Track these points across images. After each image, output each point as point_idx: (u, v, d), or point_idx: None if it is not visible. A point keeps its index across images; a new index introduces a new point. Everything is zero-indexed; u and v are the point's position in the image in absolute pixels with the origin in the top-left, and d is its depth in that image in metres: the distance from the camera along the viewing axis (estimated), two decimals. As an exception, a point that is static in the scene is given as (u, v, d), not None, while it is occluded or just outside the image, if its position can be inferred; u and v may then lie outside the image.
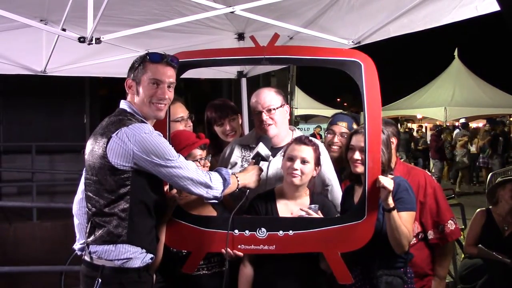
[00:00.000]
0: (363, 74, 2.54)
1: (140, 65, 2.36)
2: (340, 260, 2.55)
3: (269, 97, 2.92)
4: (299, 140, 2.73)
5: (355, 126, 3.39)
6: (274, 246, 2.57)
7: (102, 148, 2.26)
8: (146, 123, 2.35)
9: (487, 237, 4.34)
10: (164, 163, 2.25)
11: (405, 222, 2.51)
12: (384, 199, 2.44)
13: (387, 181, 2.42)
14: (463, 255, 4.87)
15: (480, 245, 4.31)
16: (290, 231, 2.56)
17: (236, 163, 3.00)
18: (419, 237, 3.05)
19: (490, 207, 4.50)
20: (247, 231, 2.59)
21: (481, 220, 4.41)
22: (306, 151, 2.69)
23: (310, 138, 2.84)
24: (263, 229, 2.58)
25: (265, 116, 2.88)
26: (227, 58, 2.83)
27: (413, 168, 3.23)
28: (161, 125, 2.54)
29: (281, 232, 2.57)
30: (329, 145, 3.29)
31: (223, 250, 2.57)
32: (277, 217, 2.69)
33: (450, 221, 3.05)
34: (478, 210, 4.60)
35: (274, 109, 2.89)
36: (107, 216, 2.28)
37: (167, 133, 2.67)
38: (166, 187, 2.54)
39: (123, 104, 2.41)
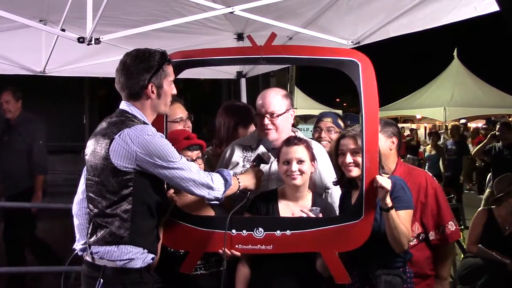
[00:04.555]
0: (360, 74, 2.53)
1: (159, 68, 2.36)
2: (338, 260, 2.55)
3: (275, 101, 2.88)
4: (289, 142, 2.72)
5: (340, 122, 3.41)
6: (271, 246, 2.57)
7: (105, 149, 2.26)
8: (148, 124, 2.35)
9: (487, 236, 4.36)
10: (166, 165, 2.26)
11: (404, 220, 2.51)
12: (382, 199, 2.44)
13: (385, 181, 2.42)
14: (462, 255, 4.88)
15: (480, 245, 4.33)
16: (288, 231, 2.56)
17: (237, 163, 2.99)
18: (420, 238, 3.05)
19: (492, 207, 4.51)
20: (244, 231, 2.59)
21: (483, 219, 4.44)
22: (299, 151, 2.68)
23: (299, 136, 2.84)
24: (260, 229, 2.58)
25: (266, 121, 2.87)
26: (223, 58, 2.82)
27: (414, 168, 3.23)
28: (159, 126, 2.54)
29: (278, 232, 2.57)
30: (318, 142, 3.31)
31: (221, 250, 2.57)
32: (275, 217, 2.69)
33: (450, 222, 3.05)
34: (480, 209, 4.63)
35: (277, 115, 2.87)
36: (109, 217, 2.28)
37: (165, 134, 2.67)
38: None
39: (123, 106, 2.40)
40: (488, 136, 8.09)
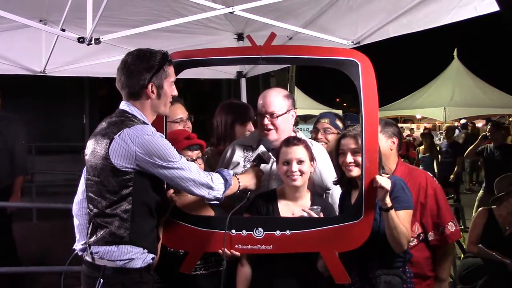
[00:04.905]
0: (360, 74, 2.53)
1: (160, 68, 2.35)
2: (337, 260, 2.55)
3: (275, 101, 2.87)
4: (289, 142, 2.72)
5: (338, 122, 3.41)
6: (271, 246, 2.57)
7: (104, 149, 2.26)
8: (148, 124, 2.35)
9: (488, 236, 4.36)
10: (166, 165, 2.26)
11: (403, 220, 2.51)
12: (382, 199, 2.44)
13: (385, 181, 2.42)
14: (462, 256, 4.88)
15: (480, 245, 4.33)
16: (287, 231, 2.56)
17: (238, 163, 2.99)
18: (420, 238, 3.05)
19: (493, 207, 4.52)
20: (244, 231, 2.59)
21: (483, 218, 4.45)
22: (299, 151, 2.68)
23: (298, 137, 2.84)
24: (260, 229, 2.58)
25: (266, 121, 2.86)
26: (223, 58, 2.82)
27: (414, 169, 3.22)
28: (158, 126, 2.54)
29: (278, 232, 2.57)
30: None
31: (220, 250, 2.57)
32: (274, 217, 2.69)
33: (450, 222, 3.04)
34: (481, 208, 4.63)
35: (277, 115, 2.86)
36: (109, 217, 2.28)
37: (164, 134, 2.67)
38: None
39: (123, 105, 2.40)
40: (479, 137, 8.03)
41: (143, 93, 2.36)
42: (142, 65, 2.33)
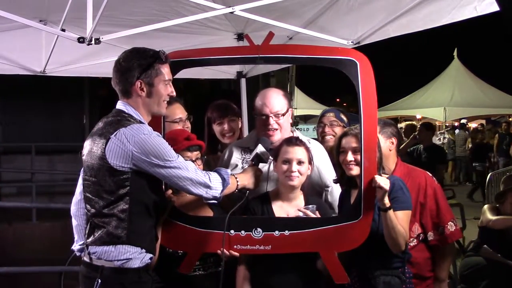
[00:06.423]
0: (358, 73, 2.53)
1: (150, 66, 2.34)
2: (336, 260, 2.55)
3: (277, 100, 2.87)
4: (291, 142, 2.72)
5: (343, 117, 3.41)
6: (270, 246, 2.57)
7: (101, 149, 2.26)
8: (144, 123, 2.35)
9: (491, 235, 4.34)
10: (163, 164, 2.25)
11: (401, 221, 2.52)
12: (380, 199, 2.44)
13: (384, 181, 2.42)
14: (462, 255, 4.87)
15: (485, 246, 4.31)
16: (286, 231, 2.56)
17: (236, 165, 2.99)
18: (420, 238, 3.05)
19: (497, 205, 4.52)
20: (243, 231, 2.58)
21: (494, 210, 4.44)
22: (300, 152, 2.69)
23: (299, 138, 2.83)
24: (259, 229, 2.57)
25: (272, 121, 2.85)
26: (221, 58, 2.82)
27: (414, 169, 3.23)
28: (156, 126, 2.53)
29: (277, 232, 2.56)
30: (322, 137, 3.32)
31: (219, 251, 2.57)
32: (273, 217, 2.69)
33: (450, 222, 3.04)
34: (488, 205, 4.64)
35: (282, 114, 2.86)
36: (106, 217, 2.28)
37: (162, 134, 2.66)
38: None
39: (120, 105, 2.40)
40: (410, 137, 7.77)
41: (133, 91, 2.35)
42: (132, 63, 2.33)
